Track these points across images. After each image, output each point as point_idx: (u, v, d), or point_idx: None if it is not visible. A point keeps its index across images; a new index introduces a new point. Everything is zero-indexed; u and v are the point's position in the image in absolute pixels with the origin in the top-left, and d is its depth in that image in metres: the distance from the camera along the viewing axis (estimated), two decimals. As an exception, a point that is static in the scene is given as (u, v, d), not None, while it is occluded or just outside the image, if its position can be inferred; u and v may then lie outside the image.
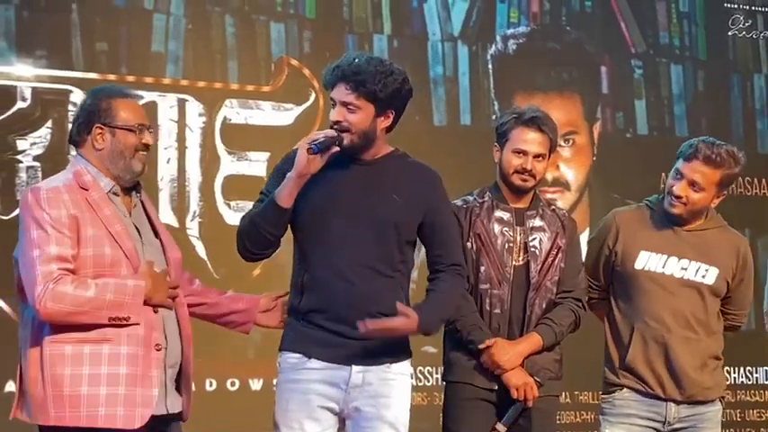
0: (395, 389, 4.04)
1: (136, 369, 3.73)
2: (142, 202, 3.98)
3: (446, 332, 4.44)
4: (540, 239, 4.44)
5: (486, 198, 4.47)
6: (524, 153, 4.42)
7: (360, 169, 4.02)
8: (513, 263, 4.41)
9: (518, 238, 4.42)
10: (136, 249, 3.80)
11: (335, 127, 3.95)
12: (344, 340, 3.95)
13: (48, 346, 3.72)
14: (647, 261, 4.58)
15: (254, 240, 3.98)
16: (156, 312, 3.79)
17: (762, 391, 7.18)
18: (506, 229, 4.42)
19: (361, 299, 3.96)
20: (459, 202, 4.46)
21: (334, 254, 3.96)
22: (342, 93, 3.95)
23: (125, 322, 3.70)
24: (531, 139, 4.43)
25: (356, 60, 3.97)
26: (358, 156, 4.02)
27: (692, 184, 4.52)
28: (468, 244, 4.39)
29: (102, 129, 3.84)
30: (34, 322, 3.75)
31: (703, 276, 4.60)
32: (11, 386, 5.86)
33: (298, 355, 3.97)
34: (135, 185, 3.96)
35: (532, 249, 4.42)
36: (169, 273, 3.88)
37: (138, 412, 3.71)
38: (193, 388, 4.06)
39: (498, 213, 4.44)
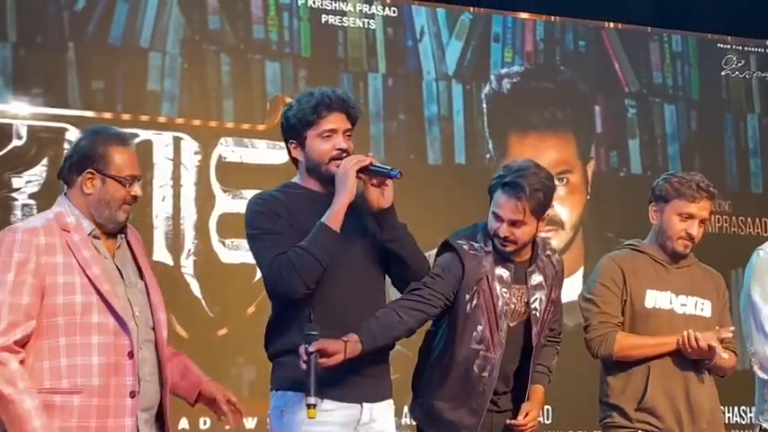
0: (391, 422, 4.07)
1: (106, 421, 3.67)
2: (128, 242, 3.94)
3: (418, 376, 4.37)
4: (540, 299, 4.27)
5: (490, 248, 4.21)
6: (499, 218, 4.18)
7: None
8: (509, 324, 4.22)
9: (515, 300, 4.25)
10: (115, 292, 3.74)
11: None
12: (357, 378, 3.95)
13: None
14: (655, 299, 4.63)
15: (312, 272, 3.86)
16: (131, 358, 3.73)
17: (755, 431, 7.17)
18: (505, 290, 4.20)
19: None
20: (465, 246, 4.21)
21: (344, 288, 3.95)
22: (343, 120, 4.02)
23: None
24: (505, 206, 4.16)
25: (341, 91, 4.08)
26: (326, 191, 4.03)
27: (702, 221, 4.63)
28: (467, 296, 4.18)
29: (93, 174, 3.79)
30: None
31: (702, 310, 4.68)
32: None
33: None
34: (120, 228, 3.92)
35: (534, 312, 4.25)
36: (153, 314, 3.84)
37: None
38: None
39: (499, 271, 4.21)
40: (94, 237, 3.80)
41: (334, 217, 3.90)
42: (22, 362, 3.63)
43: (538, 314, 4.26)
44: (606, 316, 4.60)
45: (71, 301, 3.68)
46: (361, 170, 3.96)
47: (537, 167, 4.21)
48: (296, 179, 4.10)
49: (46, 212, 3.87)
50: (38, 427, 3.57)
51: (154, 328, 3.83)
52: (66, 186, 3.87)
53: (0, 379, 3.58)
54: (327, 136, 3.99)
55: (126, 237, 3.92)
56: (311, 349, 3.74)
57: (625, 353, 4.57)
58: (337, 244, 3.89)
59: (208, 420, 6.24)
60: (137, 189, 3.83)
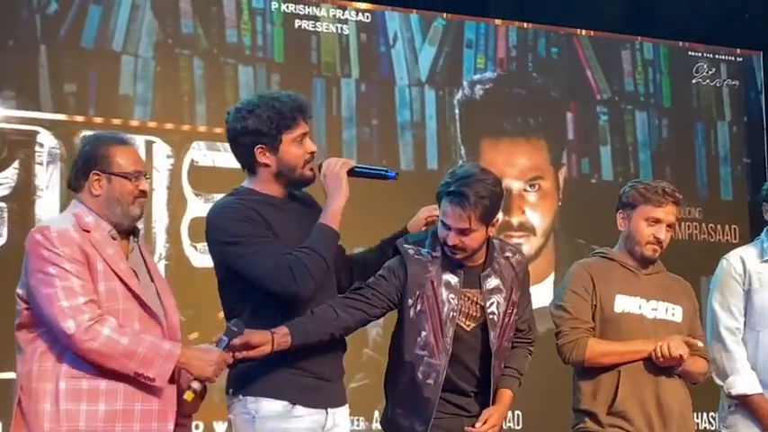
0: (348, 426, 4.10)
1: (151, 405, 3.77)
2: (139, 247, 4.00)
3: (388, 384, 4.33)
4: (498, 303, 4.21)
5: (439, 253, 4.16)
6: (447, 227, 4.11)
7: (287, 207, 4.03)
8: (454, 332, 4.15)
9: (469, 304, 4.20)
10: (141, 288, 3.84)
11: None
12: (324, 383, 3.98)
13: (62, 380, 3.74)
14: (624, 305, 4.66)
15: (321, 273, 3.88)
16: None
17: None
18: (452, 296, 4.15)
19: (343, 339, 4.05)
20: (411, 251, 4.16)
21: (319, 294, 3.95)
22: (307, 125, 4.04)
23: (149, 382, 3.72)
24: (450, 215, 4.09)
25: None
26: (285, 196, 4.07)
27: (670, 226, 4.68)
28: (410, 300, 4.13)
29: (98, 175, 3.87)
30: (42, 356, 3.76)
31: (672, 315, 4.70)
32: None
33: (284, 403, 3.90)
34: (133, 230, 3.98)
35: (491, 316, 4.19)
36: (166, 318, 3.92)
37: None
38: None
39: (446, 276, 4.15)
40: (112, 237, 3.88)
41: (333, 218, 3.94)
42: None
43: (495, 318, 4.19)
44: (577, 322, 4.63)
45: (112, 287, 3.79)
46: (350, 173, 3.99)
47: (483, 173, 4.14)
48: (250, 185, 4.06)
49: (64, 214, 3.97)
50: (169, 347, 3.75)
51: (164, 331, 3.88)
52: (75, 194, 3.96)
53: (113, 332, 3.69)
54: (301, 140, 4.00)
55: (137, 240, 4.00)
56: (236, 342, 3.79)
57: (596, 359, 4.60)
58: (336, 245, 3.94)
59: (200, 424, 6.27)
60: (144, 184, 3.92)
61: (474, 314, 4.19)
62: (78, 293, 3.71)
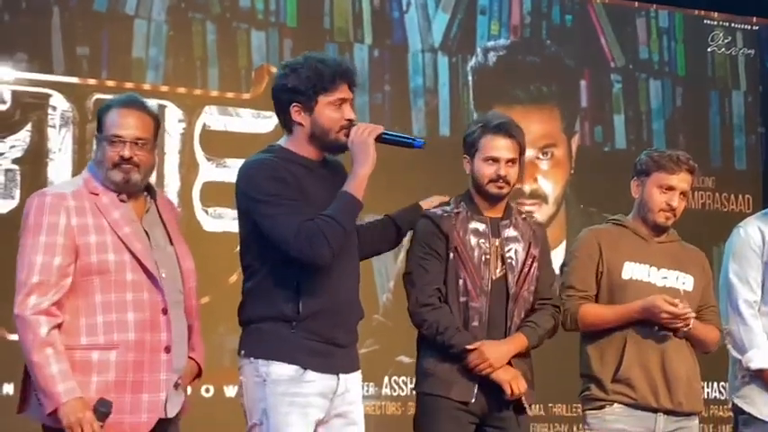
0: (360, 392, 4.10)
1: (142, 375, 3.78)
2: (158, 207, 3.99)
3: (421, 340, 4.43)
4: (516, 250, 4.42)
5: (461, 209, 4.42)
6: (496, 160, 4.38)
7: (321, 171, 4.03)
8: (491, 275, 4.37)
9: (494, 250, 4.40)
10: (147, 252, 3.84)
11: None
12: (336, 349, 3.97)
13: None
14: (632, 271, 4.67)
15: (340, 241, 3.87)
16: (165, 314, 3.82)
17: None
18: (482, 240, 4.38)
19: (355, 303, 4.05)
20: (438, 212, 4.41)
21: (342, 261, 3.96)
22: (349, 91, 4.03)
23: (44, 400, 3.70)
24: (501, 146, 4.38)
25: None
26: (320, 159, 4.06)
27: (683, 193, 4.68)
28: (451, 254, 4.35)
29: (97, 138, 3.90)
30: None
31: (683, 283, 4.71)
32: (7, 389, 5.95)
33: (294, 368, 3.90)
34: (148, 190, 3.98)
35: (509, 261, 4.39)
36: (183, 283, 3.93)
37: (144, 418, 3.78)
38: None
39: (473, 225, 4.40)
40: (122, 200, 3.88)
41: (358, 187, 3.93)
42: (59, 326, 3.73)
43: (513, 263, 4.39)
44: (572, 290, 4.66)
45: (104, 259, 3.78)
46: (378, 139, 3.99)
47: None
48: (286, 144, 4.05)
49: (76, 178, 4.01)
50: (61, 391, 3.66)
51: (163, 297, 3.86)
52: None
53: (30, 345, 3.69)
54: (339, 105, 3.99)
55: (156, 201, 3.99)
56: None
57: (589, 324, 4.62)
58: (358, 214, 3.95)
59: (211, 388, 6.30)
60: (124, 150, 3.85)
61: (498, 262, 4.38)
62: (35, 272, 3.73)
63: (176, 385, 3.89)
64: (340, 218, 3.86)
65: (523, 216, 4.54)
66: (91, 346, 3.75)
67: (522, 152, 4.44)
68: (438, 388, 4.35)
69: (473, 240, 4.37)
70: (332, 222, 3.84)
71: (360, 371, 4.11)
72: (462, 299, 4.34)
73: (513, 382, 4.32)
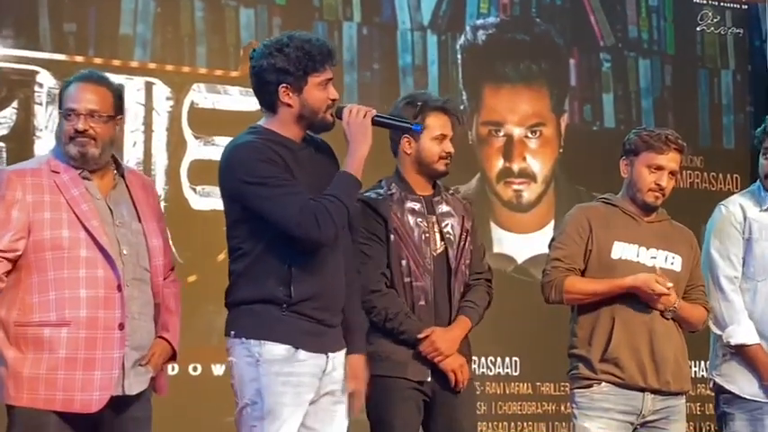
0: (344, 371, 4.08)
1: (95, 353, 3.75)
2: (127, 184, 3.97)
3: (370, 325, 4.45)
4: (452, 225, 4.54)
5: (394, 189, 4.52)
6: (444, 137, 4.52)
7: (302, 153, 4.01)
8: (432, 253, 4.48)
9: (432, 227, 4.51)
10: (103, 229, 3.81)
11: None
12: (325, 329, 3.97)
13: (12, 328, 3.78)
14: (622, 251, 4.68)
15: (344, 221, 3.91)
16: (120, 291, 3.80)
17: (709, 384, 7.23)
18: (420, 219, 4.49)
19: (340, 284, 4.03)
20: (373, 195, 4.50)
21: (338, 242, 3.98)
22: (331, 72, 4.02)
23: None
24: (447, 123, 4.54)
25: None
26: (301, 140, 4.06)
27: (672, 173, 4.69)
28: (391, 236, 4.43)
29: (59, 113, 3.91)
30: (1, 302, 3.81)
31: (672, 263, 4.73)
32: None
33: (286, 347, 3.90)
34: (117, 166, 3.97)
35: (448, 236, 4.52)
36: (150, 260, 3.94)
37: (95, 396, 3.74)
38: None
39: (409, 204, 4.50)
40: (84, 178, 3.86)
41: (357, 167, 3.94)
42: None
43: (452, 237, 4.52)
44: (559, 262, 4.67)
45: (58, 235, 3.78)
46: (378, 123, 4.00)
47: None
48: (268, 125, 4.03)
49: (41, 156, 4.07)
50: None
51: (117, 274, 3.83)
52: None
53: None
54: (324, 85, 3.99)
55: (124, 178, 3.98)
56: None
57: (575, 295, 4.64)
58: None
59: (198, 367, 6.28)
60: (79, 123, 3.84)
61: (436, 239, 4.49)
62: None
63: (140, 363, 3.88)
64: (342, 197, 3.88)
65: (451, 192, 4.66)
66: (43, 322, 3.75)
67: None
68: (394, 370, 4.43)
69: (411, 220, 4.48)
70: (336, 202, 3.86)
71: (345, 349, 4.10)
72: (406, 279, 4.44)
73: (460, 370, 4.46)
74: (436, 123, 4.52)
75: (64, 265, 3.78)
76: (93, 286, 3.79)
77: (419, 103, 4.54)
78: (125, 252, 3.86)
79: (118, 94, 3.98)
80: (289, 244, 3.89)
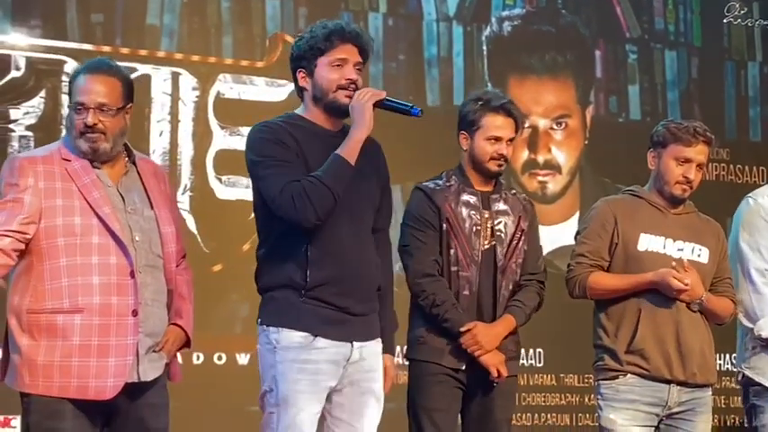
0: (380, 363, 4.08)
1: (108, 339, 3.76)
2: (139, 172, 3.98)
3: (414, 309, 4.53)
4: (505, 223, 4.60)
5: (453, 182, 4.60)
6: (499, 139, 4.57)
7: (334, 140, 3.97)
8: (481, 246, 4.53)
9: (484, 222, 4.56)
10: (116, 216, 3.82)
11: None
12: (349, 317, 3.95)
13: (25, 315, 3.78)
14: (648, 243, 4.67)
15: (325, 203, 3.81)
16: (133, 277, 3.80)
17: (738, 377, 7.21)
18: (473, 212, 4.56)
19: (367, 271, 4.00)
20: (430, 185, 4.60)
21: (341, 226, 3.92)
22: (355, 53, 4.00)
23: None
24: (504, 125, 4.57)
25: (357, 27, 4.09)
26: (337, 129, 4.04)
27: (700, 166, 4.68)
28: (444, 225, 4.51)
29: (68, 106, 3.90)
30: (14, 289, 3.81)
31: (699, 256, 4.72)
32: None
33: (303, 334, 3.89)
34: (129, 153, 3.97)
35: (498, 233, 4.57)
36: (162, 247, 3.92)
37: (110, 382, 3.75)
38: (180, 360, 4.13)
39: (465, 197, 4.57)
40: (95, 167, 3.86)
41: (350, 150, 3.89)
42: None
43: (503, 235, 4.58)
44: (583, 258, 4.67)
45: (70, 222, 3.77)
46: (378, 105, 3.97)
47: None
48: (299, 111, 4.07)
49: (52, 144, 3.99)
50: None
51: (130, 260, 3.83)
52: None
53: None
54: (338, 65, 3.97)
55: (136, 166, 3.97)
56: None
57: (599, 291, 4.64)
58: (351, 178, 3.88)
59: (223, 356, 6.30)
60: (89, 117, 3.82)
61: (488, 234, 4.55)
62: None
63: (153, 349, 3.89)
64: (327, 180, 3.83)
65: (513, 192, 4.74)
66: (56, 309, 3.75)
67: (518, 130, 4.64)
68: (430, 355, 4.51)
69: (464, 212, 4.55)
70: (317, 183, 3.82)
71: (379, 339, 4.08)
72: (453, 268, 4.52)
73: (500, 366, 4.49)
74: (491, 124, 4.57)
75: (76, 252, 3.77)
76: (106, 273, 3.78)
77: (480, 102, 4.60)
78: (137, 239, 3.86)
79: (127, 81, 3.94)
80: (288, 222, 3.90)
